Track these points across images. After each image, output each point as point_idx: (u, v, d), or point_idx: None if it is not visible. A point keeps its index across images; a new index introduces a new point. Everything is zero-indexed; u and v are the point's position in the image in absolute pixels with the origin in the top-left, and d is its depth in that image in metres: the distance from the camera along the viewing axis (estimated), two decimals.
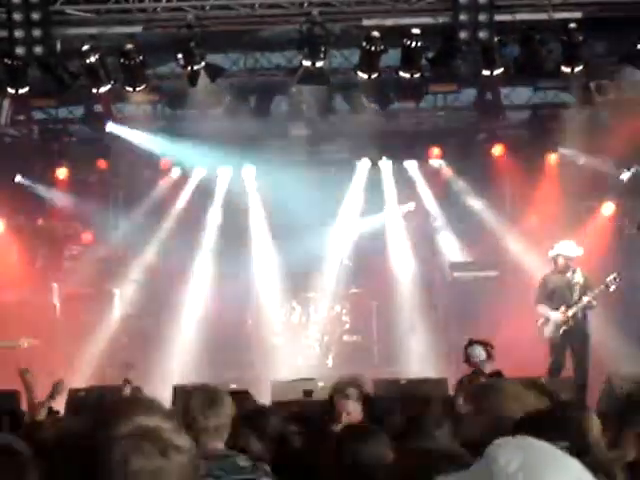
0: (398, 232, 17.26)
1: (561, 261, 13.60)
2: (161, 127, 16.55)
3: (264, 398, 10.66)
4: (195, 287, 16.80)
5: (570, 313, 13.43)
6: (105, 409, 2.45)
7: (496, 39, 12.98)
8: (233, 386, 11.31)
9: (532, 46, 13.35)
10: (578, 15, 13.08)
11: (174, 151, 16.70)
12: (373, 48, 13.25)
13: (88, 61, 13.35)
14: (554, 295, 13.60)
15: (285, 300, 16.53)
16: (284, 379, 12.95)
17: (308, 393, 11.57)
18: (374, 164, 17.15)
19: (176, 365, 15.35)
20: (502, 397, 4.14)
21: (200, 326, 16.22)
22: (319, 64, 13.42)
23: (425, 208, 17.21)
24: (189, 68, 13.43)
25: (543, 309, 13.63)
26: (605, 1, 13.27)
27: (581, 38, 13.04)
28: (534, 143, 16.59)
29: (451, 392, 10.64)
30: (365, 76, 13.74)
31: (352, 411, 6.68)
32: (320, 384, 11.81)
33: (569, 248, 13.66)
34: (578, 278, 13.54)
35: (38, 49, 12.95)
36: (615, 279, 13.39)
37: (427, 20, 13.28)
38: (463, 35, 12.90)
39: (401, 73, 13.67)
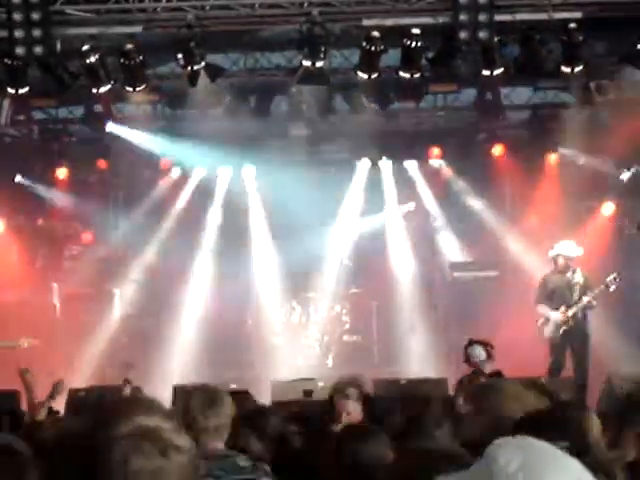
0: (398, 232, 17.26)
1: (561, 261, 13.59)
2: (161, 127, 16.54)
3: (264, 398, 10.66)
4: (195, 287, 16.79)
5: (570, 313, 13.42)
6: (105, 409, 2.46)
7: (496, 39, 12.97)
8: (233, 386, 11.31)
9: (532, 46, 13.35)
10: (578, 15, 13.07)
11: (174, 151, 16.70)
12: (373, 48, 13.24)
13: (88, 61, 13.34)
14: (554, 295, 13.59)
15: (285, 300, 16.53)
16: (284, 379, 12.95)
17: (308, 393, 11.57)
18: (374, 164, 17.14)
19: (176, 365, 15.34)
20: (502, 397, 4.14)
21: (200, 326, 16.22)
22: (319, 64, 13.41)
23: (425, 208, 17.20)
24: (189, 68, 13.43)
25: (543, 309, 13.63)
26: (605, 1, 13.26)
27: (581, 38, 13.04)
28: (534, 143, 16.59)
29: (451, 392, 10.63)
30: (365, 76, 13.74)
31: (352, 411, 6.69)
32: (320, 384, 11.80)
33: (569, 248, 13.65)
34: (578, 278, 13.53)
35: (38, 49, 12.94)
36: (615, 279, 13.38)
37: (427, 20, 13.28)
38: (463, 35, 12.90)
39: (401, 73, 13.67)
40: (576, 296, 13.45)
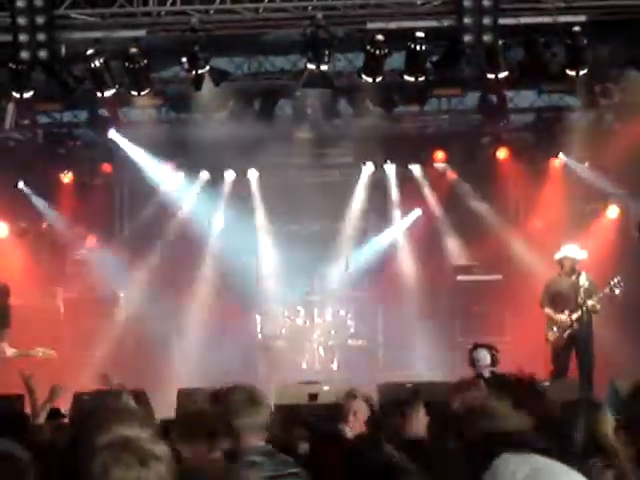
0: (403, 236, 17.26)
1: (567, 264, 13.58)
2: (165, 131, 16.56)
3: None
4: (199, 290, 16.79)
5: (575, 316, 13.42)
6: (86, 420, 2.50)
7: (500, 42, 12.96)
8: None
9: (536, 49, 13.35)
10: (582, 18, 13.06)
11: (178, 155, 16.72)
12: (377, 51, 13.24)
13: (93, 65, 13.33)
14: (559, 298, 13.58)
15: (289, 303, 16.52)
16: (288, 382, 12.95)
17: (313, 396, 11.57)
18: (378, 167, 17.15)
19: (180, 368, 15.34)
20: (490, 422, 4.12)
21: (204, 329, 16.22)
22: (323, 67, 13.41)
23: (429, 211, 17.21)
24: (193, 72, 13.43)
25: (548, 312, 13.62)
26: (609, 4, 13.25)
27: (585, 41, 13.02)
28: (538, 146, 16.59)
29: None
30: (369, 79, 13.73)
31: (358, 410, 6.77)
32: (325, 387, 11.81)
33: (575, 251, 13.65)
34: (583, 281, 13.52)
35: (43, 53, 12.95)
36: (620, 282, 13.38)
37: (431, 23, 13.27)
38: (467, 38, 12.88)
39: (405, 76, 13.65)
40: (581, 299, 13.44)
